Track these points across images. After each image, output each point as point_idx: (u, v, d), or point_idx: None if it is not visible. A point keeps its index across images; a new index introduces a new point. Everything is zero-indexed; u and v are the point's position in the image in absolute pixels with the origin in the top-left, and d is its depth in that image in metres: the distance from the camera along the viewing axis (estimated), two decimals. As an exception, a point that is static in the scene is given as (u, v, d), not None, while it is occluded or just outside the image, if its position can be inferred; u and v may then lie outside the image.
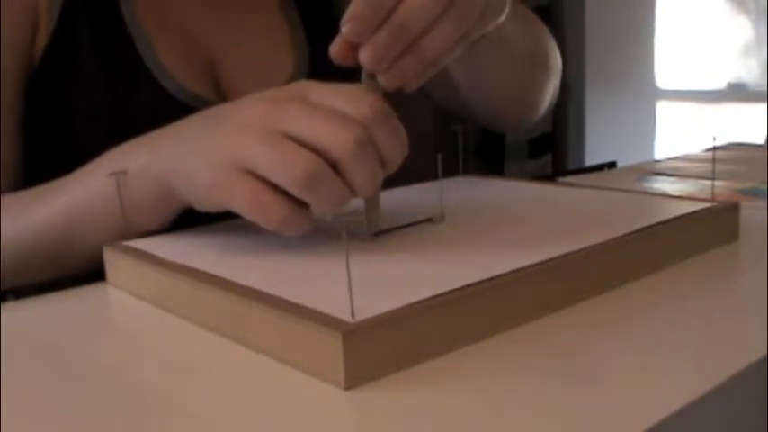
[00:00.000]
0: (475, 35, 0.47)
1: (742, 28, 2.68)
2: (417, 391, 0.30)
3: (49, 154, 0.63)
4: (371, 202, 0.45)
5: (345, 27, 0.42)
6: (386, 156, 0.42)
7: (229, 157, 0.42)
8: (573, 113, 2.80)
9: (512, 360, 0.33)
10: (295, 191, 0.40)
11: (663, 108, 2.95)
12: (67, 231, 0.51)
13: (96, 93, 0.62)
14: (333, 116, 0.41)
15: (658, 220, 0.45)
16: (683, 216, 0.46)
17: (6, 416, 0.30)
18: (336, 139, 0.40)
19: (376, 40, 0.42)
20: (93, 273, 0.47)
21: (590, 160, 2.78)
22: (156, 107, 0.63)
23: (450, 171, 0.62)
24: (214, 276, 0.39)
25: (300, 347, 0.32)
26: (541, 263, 0.38)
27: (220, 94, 0.67)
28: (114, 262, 0.46)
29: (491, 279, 0.36)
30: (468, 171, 0.65)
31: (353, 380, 0.31)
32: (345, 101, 0.42)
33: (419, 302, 0.33)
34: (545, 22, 0.77)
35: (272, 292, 0.35)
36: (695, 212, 0.48)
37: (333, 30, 0.63)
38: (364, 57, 0.43)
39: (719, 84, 2.77)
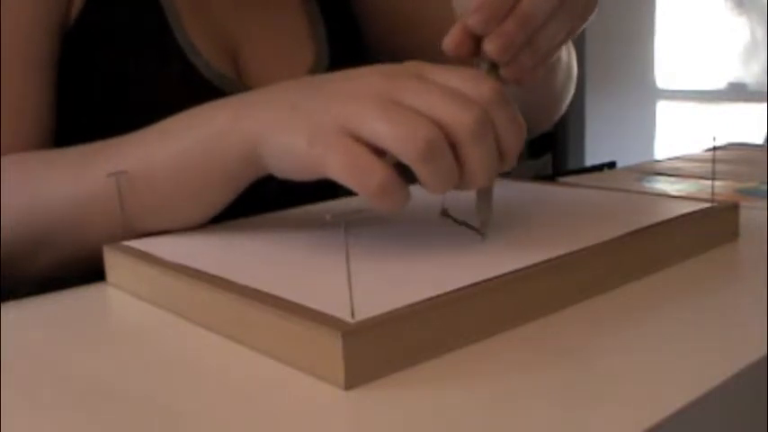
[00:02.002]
0: (576, 31, 0.47)
1: (742, 28, 2.68)
2: (417, 391, 0.30)
3: (76, 118, 0.63)
4: (484, 200, 0.44)
5: (473, 17, 0.42)
6: (505, 143, 0.40)
7: (337, 120, 0.40)
8: (573, 113, 2.80)
9: (512, 360, 0.33)
10: (411, 159, 0.38)
11: (663, 108, 2.96)
12: (145, 183, 0.49)
13: (127, 60, 0.63)
14: (453, 94, 0.39)
15: (658, 220, 0.45)
16: (682, 216, 0.46)
17: (6, 416, 0.30)
18: (456, 118, 0.38)
19: (503, 29, 0.42)
20: (92, 272, 0.47)
21: (590, 160, 2.78)
22: (184, 81, 0.64)
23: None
24: (214, 276, 0.39)
25: (300, 347, 0.32)
26: (541, 263, 0.38)
27: (241, 81, 0.68)
28: (114, 262, 0.46)
29: (491, 279, 0.36)
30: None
31: (353, 380, 0.31)
32: (466, 81, 0.40)
33: (419, 302, 0.33)
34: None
35: (272, 292, 0.35)
36: (695, 212, 0.48)
37: (352, 28, 0.64)
38: (491, 47, 0.42)
39: (719, 84, 2.78)
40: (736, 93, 2.72)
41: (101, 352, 0.37)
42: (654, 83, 2.92)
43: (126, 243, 0.46)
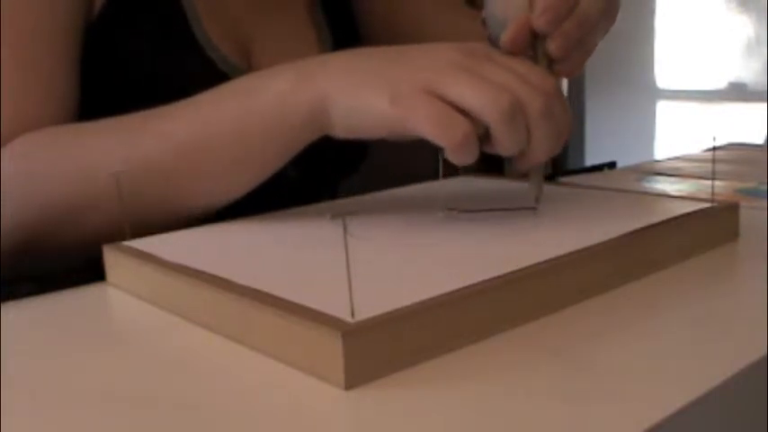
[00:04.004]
0: (609, 29, 0.51)
1: (742, 28, 2.68)
2: (417, 391, 0.30)
3: (98, 109, 0.63)
4: (537, 176, 0.49)
5: (540, 18, 0.46)
6: (560, 129, 0.45)
7: (421, 83, 0.44)
8: (573, 114, 2.80)
9: (512, 360, 0.33)
10: (493, 118, 0.43)
11: (663, 108, 2.95)
12: (202, 147, 0.51)
13: (147, 53, 0.64)
14: (524, 78, 0.44)
15: (658, 220, 0.45)
16: (682, 216, 0.46)
17: (6, 416, 0.30)
18: (530, 98, 0.43)
19: (564, 30, 0.47)
20: (91, 269, 0.47)
21: (590, 160, 2.78)
22: (201, 73, 0.65)
23: (450, 171, 0.62)
24: (214, 276, 0.39)
25: (300, 347, 0.32)
26: (542, 263, 0.38)
27: None
28: (114, 262, 0.46)
29: (491, 279, 0.36)
30: (467, 171, 0.65)
31: (353, 380, 0.31)
32: (533, 72, 0.45)
33: (419, 302, 0.33)
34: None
35: (272, 292, 0.35)
36: (695, 212, 0.48)
37: (355, 37, 0.67)
38: (554, 45, 0.47)
39: (719, 83, 2.77)
40: (737, 93, 2.72)
41: (101, 352, 0.37)
42: (654, 83, 2.92)
43: (126, 243, 0.46)
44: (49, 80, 0.59)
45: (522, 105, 0.43)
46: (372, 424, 0.28)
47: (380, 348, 0.31)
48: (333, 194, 0.78)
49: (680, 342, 0.34)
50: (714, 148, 0.96)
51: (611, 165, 0.82)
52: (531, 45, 0.48)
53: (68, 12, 0.61)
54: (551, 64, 0.48)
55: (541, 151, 0.45)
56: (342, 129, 0.48)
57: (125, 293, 0.45)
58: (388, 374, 0.32)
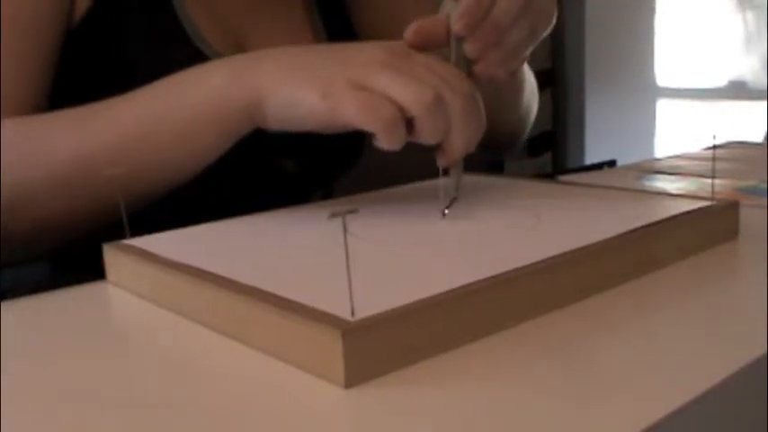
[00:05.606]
0: (541, 33, 0.54)
1: (742, 25, 2.68)
2: (417, 391, 0.30)
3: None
4: (457, 170, 0.51)
5: (458, 23, 0.49)
6: (476, 129, 0.48)
7: (350, 78, 0.46)
8: (573, 112, 2.80)
9: (511, 359, 0.33)
10: (419, 109, 0.45)
11: (663, 106, 2.95)
12: (139, 138, 0.53)
13: (136, 51, 0.65)
14: (445, 78, 0.47)
15: (658, 218, 0.45)
16: (682, 214, 0.46)
17: (6, 416, 0.30)
18: (450, 93, 0.46)
19: (480, 34, 0.49)
20: (93, 266, 0.47)
21: (590, 159, 2.78)
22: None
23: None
24: (214, 275, 0.39)
25: (300, 346, 0.32)
26: (541, 262, 0.38)
27: None
28: (114, 261, 0.46)
29: (491, 278, 0.36)
30: (467, 169, 0.65)
31: (353, 379, 0.31)
32: (451, 73, 0.48)
33: (419, 301, 0.33)
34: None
35: (272, 290, 0.35)
36: (695, 211, 0.48)
37: (351, 34, 0.70)
38: (471, 47, 0.50)
39: (719, 81, 2.77)
40: (737, 91, 2.71)
41: (101, 351, 0.37)
42: (654, 81, 2.92)
43: (126, 242, 0.46)
44: (17, 71, 0.59)
45: (444, 100, 0.46)
46: (372, 422, 0.29)
47: (380, 347, 0.31)
48: (329, 190, 0.78)
49: (680, 341, 0.34)
50: (714, 147, 0.96)
51: (611, 163, 0.82)
52: (450, 47, 0.50)
53: (43, 5, 0.61)
54: (470, 65, 0.51)
55: (459, 147, 0.48)
56: (275, 122, 0.50)
57: (125, 292, 0.45)
58: (387, 373, 0.32)
